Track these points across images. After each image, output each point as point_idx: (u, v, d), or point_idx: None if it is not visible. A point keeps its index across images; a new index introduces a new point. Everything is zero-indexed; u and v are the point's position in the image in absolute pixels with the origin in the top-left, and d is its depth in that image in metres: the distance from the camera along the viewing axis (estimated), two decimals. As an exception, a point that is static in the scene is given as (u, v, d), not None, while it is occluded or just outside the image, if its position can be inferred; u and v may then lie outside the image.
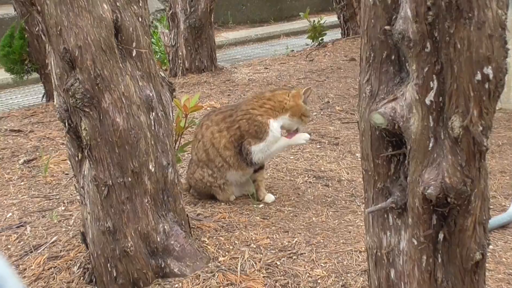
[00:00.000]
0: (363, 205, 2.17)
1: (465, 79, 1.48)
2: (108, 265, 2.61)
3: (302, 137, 3.60)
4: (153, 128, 2.61)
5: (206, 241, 3.01)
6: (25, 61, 6.07)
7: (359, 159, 3.90)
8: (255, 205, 3.52)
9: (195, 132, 3.74)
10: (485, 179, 1.61)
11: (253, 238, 3.07)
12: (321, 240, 3.07)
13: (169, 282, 2.67)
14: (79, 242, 2.98)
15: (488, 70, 1.47)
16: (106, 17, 2.39)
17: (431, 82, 1.53)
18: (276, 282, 2.67)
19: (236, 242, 3.02)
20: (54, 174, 4.07)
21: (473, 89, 1.48)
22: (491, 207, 2.92)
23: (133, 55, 2.53)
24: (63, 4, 2.34)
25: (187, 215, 2.90)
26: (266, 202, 3.59)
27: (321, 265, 2.81)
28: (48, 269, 2.83)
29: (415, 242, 1.67)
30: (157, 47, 8.21)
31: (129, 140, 2.50)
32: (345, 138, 4.76)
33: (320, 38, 8.75)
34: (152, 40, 7.98)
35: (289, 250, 2.96)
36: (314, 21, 8.55)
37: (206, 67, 7.33)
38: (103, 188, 2.53)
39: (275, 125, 3.46)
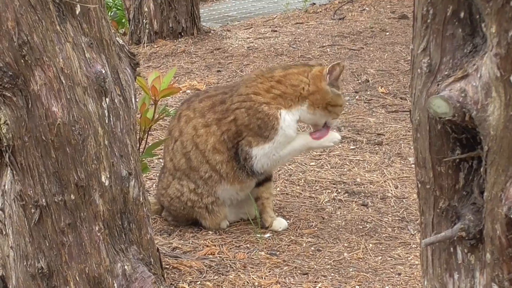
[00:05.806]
0: (419, 234, 2.17)
1: None
2: (41, 324, 2.62)
3: (329, 138, 3.60)
4: (107, 121, 2.61)
5: (186, 288, 3.01)
6: None
7: (413, 165, 3.90)
8: (258, 235, 3.52)
9: (169, 127, 3.74)
10: None
11: (256, 284, 3.07)
12: (357, 286, 3.07)
13: None
14: (-3, 290, 2.99)
15: None
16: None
17: (519, 51, 1.53)
18: None
19: (230, 289, 3.03)
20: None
21: None
22: None
23: (77, 13, 2.53)
24: None
25: (158, 249, 2.91)
26: (275, 230, 3.60)
27: (357, 324, 2.83)
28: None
29: (497, 289, 1.67)
30: (111, 1, 8.22)
31: (72, 139, 2.51)
32: (392, 134, 4.77)
33: (354, -14, 8.75)
34: (105, -11, 7.99)
35: (310, 302, 2.96)
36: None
37: (184, 30, 7.33)
38: (33, 210, 2.54)
39: (287, 119, 3.46)
